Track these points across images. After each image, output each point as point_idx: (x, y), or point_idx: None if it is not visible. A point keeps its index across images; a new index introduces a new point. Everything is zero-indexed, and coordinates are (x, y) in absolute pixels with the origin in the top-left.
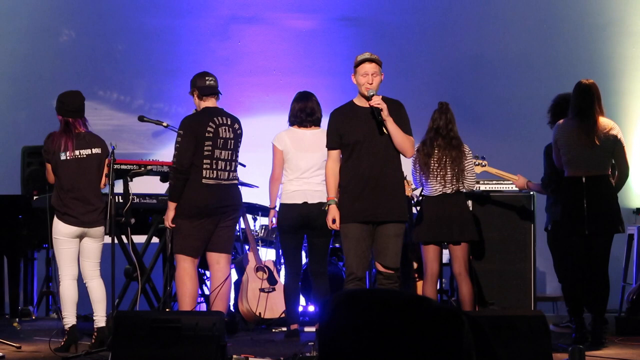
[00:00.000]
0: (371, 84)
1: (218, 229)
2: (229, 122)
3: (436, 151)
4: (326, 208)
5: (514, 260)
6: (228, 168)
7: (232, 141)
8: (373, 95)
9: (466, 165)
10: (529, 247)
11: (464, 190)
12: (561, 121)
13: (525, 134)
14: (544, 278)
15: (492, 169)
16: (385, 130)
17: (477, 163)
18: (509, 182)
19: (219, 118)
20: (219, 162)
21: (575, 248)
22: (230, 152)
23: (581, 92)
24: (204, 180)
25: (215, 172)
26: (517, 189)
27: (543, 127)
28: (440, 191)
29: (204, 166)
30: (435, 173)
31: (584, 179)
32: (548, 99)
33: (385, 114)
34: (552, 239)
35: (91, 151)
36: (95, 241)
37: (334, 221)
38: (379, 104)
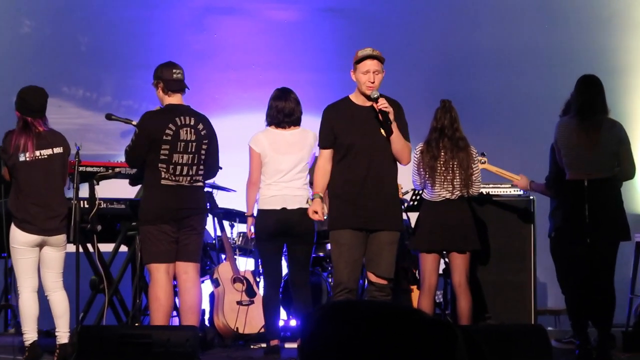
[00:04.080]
0: (373, 82)
1: (183, 235)
2: (192, 123)
3: (442, 153)
4: (310, 202)
5: (512, 270)
6: (190, 173)
7: (194, 144)
8: (378, 97)
9: (474, 169)
10: (529, 256)
11: (467, 196)
12: (562, 119)
13: (527, 131)
14: (545, 289)
15: (492, 166)
16: (385, 134)
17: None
18: (508, 182)
19: (182, 118)
20: (178, 166)
21: (577, 257)
22: (191, 155)
23: (583, 88)
24: (162, 182)
25: (172, 176)
26: (515, 191)
27: (546, 125)
28: (443, 197)
29: (161, 168)
30: (442, 177)
31: (585, 183)
32: (550, 93)
33: (392, 117)
34: (554, 247)
35: (52, 151)
36: (57, 250)
37: (315, 212)
38: (387, 107)
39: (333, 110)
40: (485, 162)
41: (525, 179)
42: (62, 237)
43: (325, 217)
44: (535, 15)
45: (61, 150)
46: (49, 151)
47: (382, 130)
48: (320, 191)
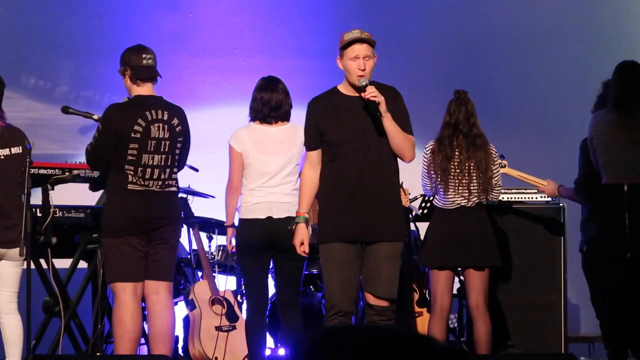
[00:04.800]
0: (363, 69)
1: (153, 249)
2: (165, 118)
3: (457, 153)
4: (293, 227)
5: (539, 291)
6: (162, 176)
7: (168, 142)
8: (366, 85)
9: (494, 171)
10: (559, 274)
11: (485, 203)
12: (597, 113)
13: (551, 128)
14: (578, 313)
15: (514, 171)
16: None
17: None
18: (533, 188)
19: (153, 112)
20: (148, 169)
21: (615, 275)
22: (164, 156)
23: (622, 77)
24: (129, 187)
25: (141, 180)
26: (542, 198)
27: (574, 120)
28: (458, 204)
29: (127, 172)
30: (456, 181)
31: (625, 188)
32: (579, 83)
33: (383, 108)
34: (587, 263)
35: (10, 151)
36: (14, 265)
37: (302, 244)
38: (375, 96)
39: (318, 103)
40: (505, 165)
41: (553, 184)
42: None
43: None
44: None
45: (20, 150)
46: (5, 151)
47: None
48: (306, 210)
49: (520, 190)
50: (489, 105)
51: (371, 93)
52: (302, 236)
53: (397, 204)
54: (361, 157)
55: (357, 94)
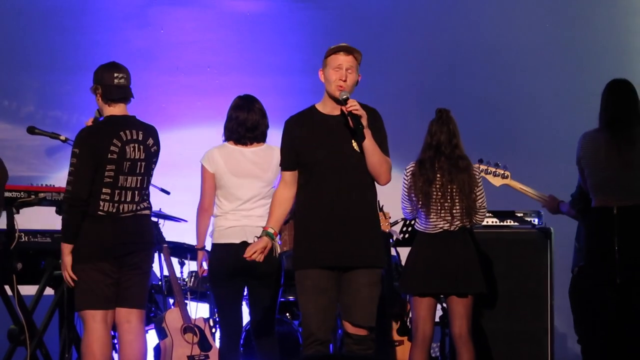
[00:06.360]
0: (344, 81)
1: (124, 275)
2: (140, 138)
3: (438, 176)
4: (255, 238)
5: (525, 318)
6: (136, 199)
7: (143, 164)
8: (347, 98)
9: (477, 194)
10: (545, 301)
11: (469, 227)
12: (586, 132)
13: (548, 146)
14: (565, 341)
15: (517, 183)
16: (357, 142)
17: (497, 173)
18: (535, 204)
19: (128, 132)
20: (124, 191)
21: (603, 302)
22: (139, 177)
23: (613, 96)
24: (99, 211)
25: (116, 204)
26: (529, 222)
27: (570, 137)
28: (441, 228)
29: (102, 196)
30: (438, 205)
31: (615, 210)
32: (575, 96)
33: (365, 123)
34: (574, 287)
35: None
36: None
37: (255, 252)
38: (357, 110)
39: (293, 123)
40: (508, 176)
41: (554, 199)
42: None
43: (278, 254)
44: (554, 2)
45: None
46: None
47: (354, 141)
48: (273, 225)
49: (506, 215)
50: (472, 123)
51: (353, 106)
52: (261, 245)
53: (375, 228)
54: (337, 180)
55: (336, 112)
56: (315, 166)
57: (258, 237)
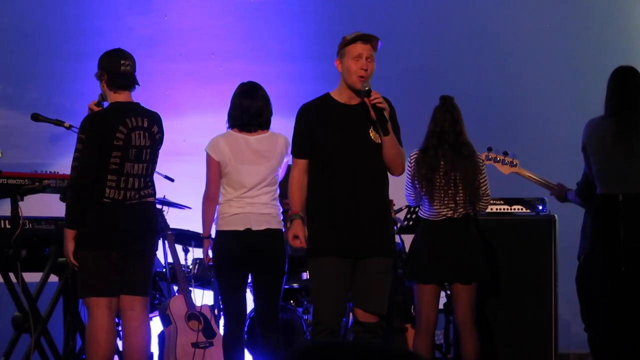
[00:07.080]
0: (366, 70)
1: (129, 262)
2: (145, 125)
3: (442, 163)
4: (288, 224)
5: (529, 306)
6: (141, 186)
7: (149, 151)
8: (370, 89)
9: (481, 181)
10: (550, 289)
11: (473, 214)
12: (592, 119)
13: (552, 134)
14: (569, 328)
15: (525, 171)
16: (381, 135)
17: (505, 161)
18: (543, 191)
19: (133, 119)
20: (130, 178)
21: (608, 289)
22: (144, 165)
23: (618, 83)
24: (105, 197)
25: (122, 191)
26: (533, 209)
27: (576, 126)
28: (444, 215)
29: (108, 183)
30: (442, 192)
31: (620, 198)
32: (579, 84)
33: (387, 116)
34: (581, 275)
35: None
36: None
37: (295, 237)
38: (381, 102)
39: (310, 111)
40: (517, 164)
41: (563, 188)
42: None
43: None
44: None
45: None
46: None
47: (373, 133)
48: (300, 209)
49: (509, 203)
50: (477, 111)
51: (377, 99)
52: (297, 230)
53: (388, 217)
54: (353, 169)
55: (353, 101)
56: (333, 155)
57: (290, 223)
